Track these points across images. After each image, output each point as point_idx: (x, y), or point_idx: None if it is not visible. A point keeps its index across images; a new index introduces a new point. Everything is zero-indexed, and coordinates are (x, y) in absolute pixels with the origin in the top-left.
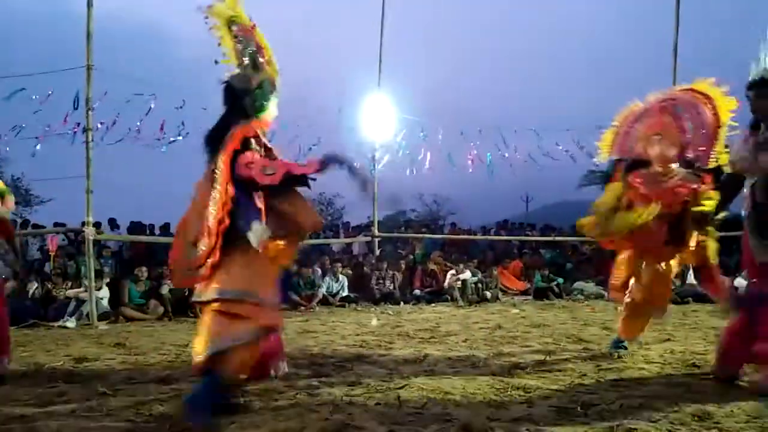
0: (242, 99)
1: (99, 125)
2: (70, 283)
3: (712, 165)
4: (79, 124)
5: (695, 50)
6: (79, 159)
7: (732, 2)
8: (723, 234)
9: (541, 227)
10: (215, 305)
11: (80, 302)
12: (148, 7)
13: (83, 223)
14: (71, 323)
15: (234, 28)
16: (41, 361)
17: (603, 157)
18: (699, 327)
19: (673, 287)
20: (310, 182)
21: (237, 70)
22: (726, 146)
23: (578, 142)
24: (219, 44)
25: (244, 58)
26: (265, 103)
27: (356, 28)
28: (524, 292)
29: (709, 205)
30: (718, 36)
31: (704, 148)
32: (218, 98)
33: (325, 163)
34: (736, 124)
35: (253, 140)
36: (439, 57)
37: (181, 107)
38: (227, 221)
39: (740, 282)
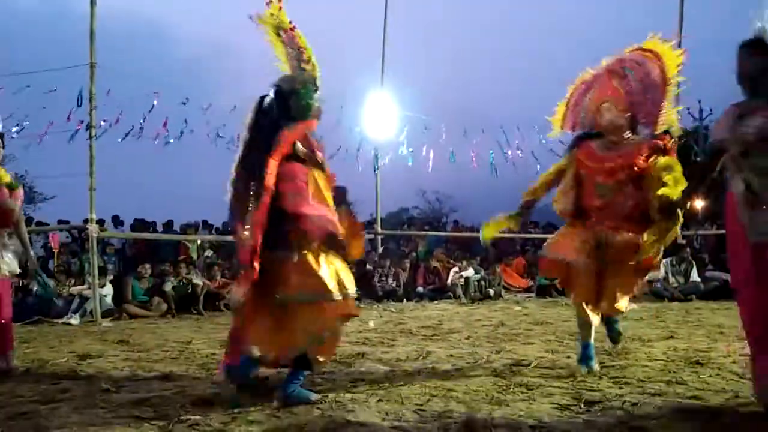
0: (288, 100)
1: (102, 123)
2: (73, 280)
3: (660, 128)
4: (82, 122)
5: (699, 49)
6: (82, 156)
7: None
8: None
9: (544, 225)
10: (300, 304)
11: (84, 299)
12: (149, 6)
13: (85, 221)
14: (75, 320)
15: (282, 34)
16: (45, 357)
17: (555, 132)
18: (702, 324)
19: (676, 285)
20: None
21: (288, 74)
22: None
23: None
24: (273, 50)
25: (293, 62)
26: (309, 102)
27: (359, 27)
28: (527, 290)
29: (672, 188)
30: (723, 34)
31: (652, 110)
32: (219, 98)
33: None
34: (685, 78)
35: (299, 143)
36: (441, 55)
37: (185, 103)
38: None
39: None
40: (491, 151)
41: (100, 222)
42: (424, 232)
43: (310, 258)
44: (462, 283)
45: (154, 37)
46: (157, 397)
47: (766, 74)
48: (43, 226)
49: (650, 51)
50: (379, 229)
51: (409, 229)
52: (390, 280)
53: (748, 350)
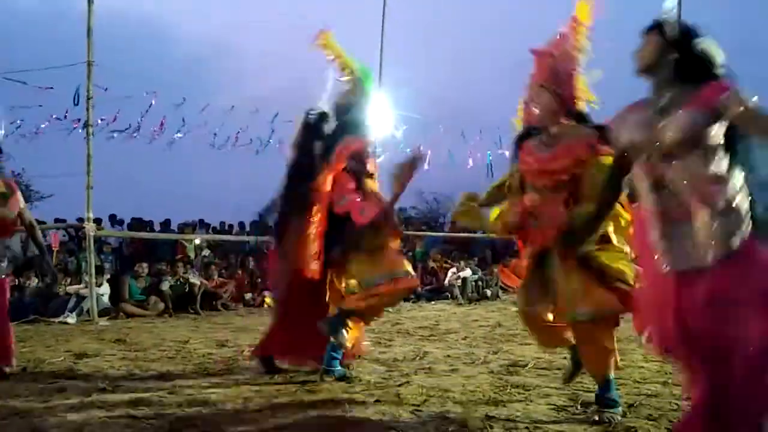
0: (344, 116)
1: (99, 121)
2: (70, 279)
3: (581, 105)
4: (79, 120)
5: None
6: (80, 155)
7: (734, 3)
8: None
9: None
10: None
11: (81, 298)
12: (148, 5)
13: (79, 219)
14: (72, 319)
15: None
16: (41, 356)
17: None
18: None
19: None
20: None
21: (346, 87)
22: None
23: None
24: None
25: (348, 77)
26: (361, 116)
27: (356, 26)
28: None
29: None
30: (723, 34)
31: (567, 87)
32: (218, 98)
33: (398, 196)
34: (588, 44)
35: (351, 160)
36: (440, 55)
37: (181, 104)
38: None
39: None
40: (489, 152)
41: (97, 221)
42: (421, 233)
43: (364, 254)
44: (459, 284)
45: (153, 37)
46: (154, 396)
47: (666, 61)
48: (40, 224)
49: (574, 17)
50: None
51: (407, 230)
52: None
53: None
